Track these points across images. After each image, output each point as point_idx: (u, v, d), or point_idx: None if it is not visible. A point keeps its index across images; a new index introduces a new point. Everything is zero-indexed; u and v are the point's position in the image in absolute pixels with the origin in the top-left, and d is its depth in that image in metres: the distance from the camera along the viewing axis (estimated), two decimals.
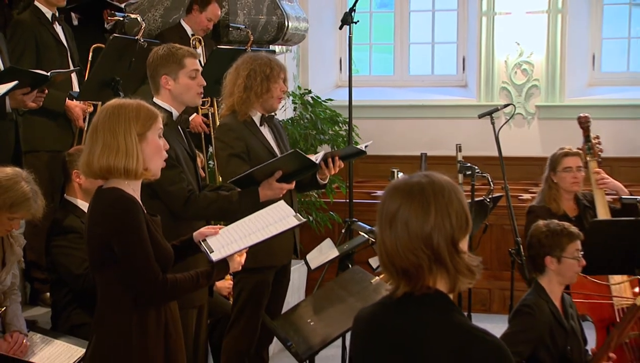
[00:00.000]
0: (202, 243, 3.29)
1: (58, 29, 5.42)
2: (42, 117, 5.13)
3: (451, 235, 2.08)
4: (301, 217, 3.36)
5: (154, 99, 4.03)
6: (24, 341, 3.93)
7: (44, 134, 5.24)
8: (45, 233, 4.44)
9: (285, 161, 4.04)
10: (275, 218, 3.40)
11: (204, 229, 3.35)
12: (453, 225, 2.09)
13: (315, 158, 4.05)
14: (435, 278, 2.10)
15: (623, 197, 5.18)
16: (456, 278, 2.10)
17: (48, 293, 5.06)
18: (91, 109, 5.33)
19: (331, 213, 7.46)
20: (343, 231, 6.57)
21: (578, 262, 3.98)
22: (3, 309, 3.94)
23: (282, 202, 3.59)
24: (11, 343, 3.87)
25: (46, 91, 4.80)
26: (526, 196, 7.84)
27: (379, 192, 8.40)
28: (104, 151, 2.98)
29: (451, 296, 2.13)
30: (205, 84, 4.10)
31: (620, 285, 4.96)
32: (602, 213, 5.21)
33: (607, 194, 5.35)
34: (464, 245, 2.12)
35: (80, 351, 3.93)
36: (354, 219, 6.47)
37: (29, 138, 5.10)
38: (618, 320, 4.92)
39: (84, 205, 4.41)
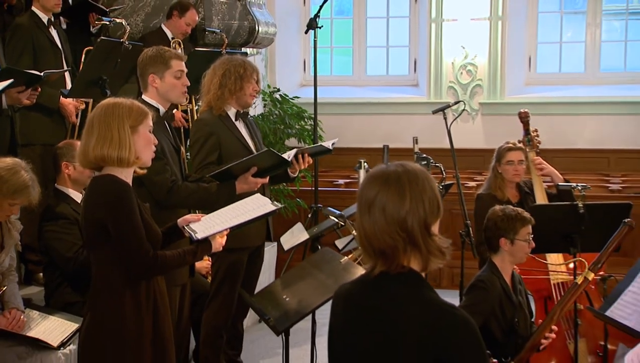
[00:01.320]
0: (186, 227, 3.30)
1: (53, 32, 5.40)
2: (37, 112, 5.11)
3: (424, 219, 2.09)
4: (278, 204, 3.37)
5: (143, 96, 4.02)
6: (22, 317, 3.91)
7: (39, 128, 5.20)
8: (38, 219, 4.40)
9: (260, 158, 4.05)
10: (254, 206, 3.41)
11: (187, 216, 3.38)
12: (426, 210, 2.10)
13: (288, 155, 4.07)
14: (409, 258, 2.12)
15: (559, 184, 5.24)
16: (428, 259, 2.11)
17: (41, 274, 5.05)
18: (83, 106, 5.31)
19: (298, 200, 7.48)
20: (309, 216, 6.61)
21: (528, 244, 4.02)
22: (4, 288, 3.91)
23: (258, 194, 3.61)
24: (10, 319, 3.84)
25: (39, 89, 4.77)
26: (471, 184, 7.92)
27: (341, 181, 8.44)
28: (99, 142, 3.01)
29: (423, 274, 2.14)
30: (189, 83, 4.09)
31: (556, 260, 5.04)
32: (540, 198, 5.28)
33: (544, 182, 5.43)
34: (435, 228, 2.14)
35: (73, 326, 3.92)
36: (319, 205, 6.51)
37: (25, 132, 5.07)
38: (554, 292, 5.00)
39: (74, 194, 4.41)
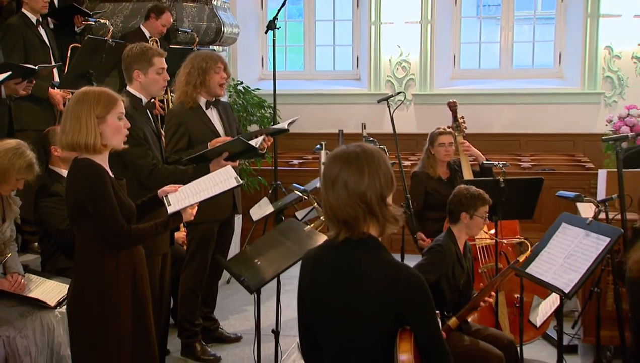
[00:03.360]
0: (165, 198, 3.27)
1: (42, 31, 5.27)
2: (29, 102, 4.99)
3: (380, 192, 2.10)
4: (240, 180, 3.33)
5: (127, 88, 3.95)
6: (22, 281, 3.84)
7: (31, 115, 5.08)
8: (34, 195, 4.31)
9: (231, 145, 4.02)
10: (220, 180, 3.36)
11: (166, 187, 3.32)
12: (382, 184, 2.10)
13: (255, 142, 4.04)
14: (369, 226, 2.12)
15: (484, 162, 5.32)
16: (384, 226, 2.12)
17: (36, 243, 4.97)
18: (69, 96, 5.19)
19: (259, 178, 7.44)
20: (270, 191, 6.59)
21: (484, 221, 4.05)
22: (9, 255, 3.83)
23: (228, 167, 3.56)
24: (12, 282, 3.79)
25: (34, 81, 4.71)
26: (406, 163, 7.93)
27: (296, 161, 8.43)
28: (70, 131, 2.94)
29: (380, 239, 2.15)
30: (169, 78, 4.03)
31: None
32: (467, 175, 5.35)
33: (470, 162, 5.51)
34: (389, 199, 2.14)
35: (67, 288, 3.86)
36: (278, 182, 6.50)
37: (19, 119, 4.97)
38: (479, 254, 5.07)
39: (65, 173, 4.31)
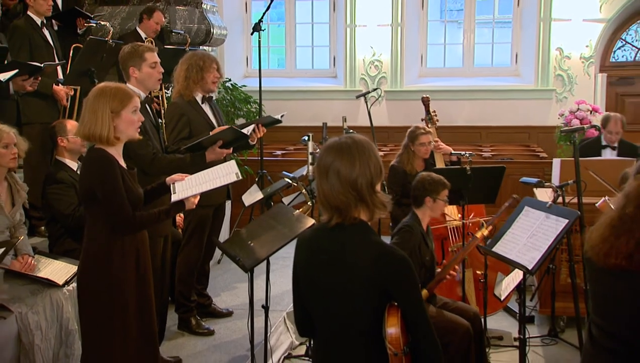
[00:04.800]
0: (172, 185, 3.24)
1: (46, 32, 5.18)
2: (35, 97, 4.92)
3: (370, 180, 2.08)
4: (240, 175, 3.29)
5: (127, 84, 3.88)
6: (32, 261, 3.79)
7: (37, 110, 5.00)
8: (40, 183, 4.27)
9: (225, 134, 3.98)
10: (223, 174, 3.32)
11: (174, 176, 3.29)
12: (372, 173, 2.09)
13: (247, 130, 4.01)
14: (359, 211, 2.11)
15: (453, 152, 5.28)
16: (373, 211, 2.11)
17: (43, 227, 4.91)
18: (72, 92, 5.12)
19: (246, 167, 7.40)
20: (256, 179, 6.56)
21: (445, 203, 4.07)
22: (22, 238, 3.78)
23: (232, 162, 3.51)
24: (22, 263, 3.74)
25: (39, 78, 4.63)
26: (380, 153, 7.97)
27: (279, 152, 8.39)
28: (87, 123, 2.92)
29: (370, 223, 2.14)
30: (163, 71, 3.97)
31: (452, 210, 5.14)
32: (440, 163, 5.33)
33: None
34: (378, 187, 2.13)
35: (74, 267, 3.81)
36: (263, 171, 6.47)
37: (26, 113, 4.92)
38: (449, 234, 5.10)
39: (70, 163, 4.31)
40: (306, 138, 4.00)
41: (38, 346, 3.42)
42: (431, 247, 4.10)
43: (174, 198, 3.13)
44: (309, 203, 3.61)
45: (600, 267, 2.48)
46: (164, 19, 6.35)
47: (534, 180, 4.06)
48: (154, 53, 3.92)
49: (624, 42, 9.32)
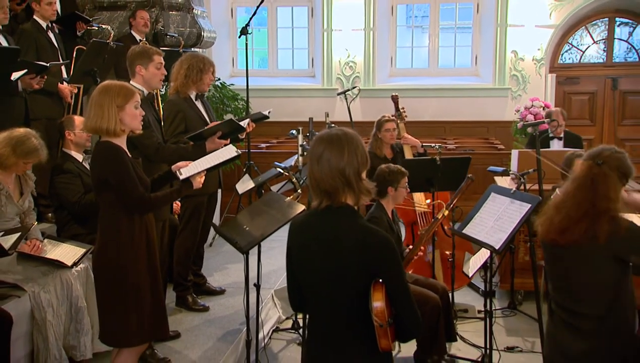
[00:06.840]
0: (177, 172, 3.21)
1: (51, 35, 5.08)
2: (42, 95, 4.83)
3: (357, 168, 2.08)
4: (239, 152, 3.26)
5: (131, 82, 3.83)
6: (39, 244, 3.73)
7: (43, 106, 4.91)
8: (48, 173, 4.21)
9: (224, 126, 3.95)
10: (223, 153, 3.30)
11: (179, 163, 3.26)
12: (359, 161, 2.08)
13: (243, 123, 3.99)
14: (347, 196, 2.10)
15: (423, 144, 5.34)
16: (359, 197, 2.11)
17: (50, 214, 4.83)
18: (75, 90, 5.04)
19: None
20: (244, 170, 6.52)
21: (406, 190, 4.08)
22: (35, 224, 3.71)
23: (230, 146, 3.48)
24: (30, 246, 3.68)
25: (45, 77, 4.54)
26: None
27: (263, 145, 8.36)
28: (94, 117, 2.89)
29: (356, 207, 2.14)
30: (166, 73, 3.93)
31: (419, 197, 5.17)
32: (408, 155, 5.40)
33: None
34: (364, 174, 2.12)
35: (81, 250, 3.77)
36: (251, 162, 6.44)
37: (33, 109, 4.81)
38: (418, 219, 5.15)
39: (76, 155, 4.26)
40: (294, 132, 3.99)
41: (50, 322, 3.39)
42: (397, 230, 4.10)
43: (182, 176, 3.12)
44: (299, 191, 3.59)
45: (548, 244, 2.54)
46: (146, 15, 6.26)
47: (499, 169, 4.11)
48: (161, 56, 3.91)
49: (570, 46, 9.46)
